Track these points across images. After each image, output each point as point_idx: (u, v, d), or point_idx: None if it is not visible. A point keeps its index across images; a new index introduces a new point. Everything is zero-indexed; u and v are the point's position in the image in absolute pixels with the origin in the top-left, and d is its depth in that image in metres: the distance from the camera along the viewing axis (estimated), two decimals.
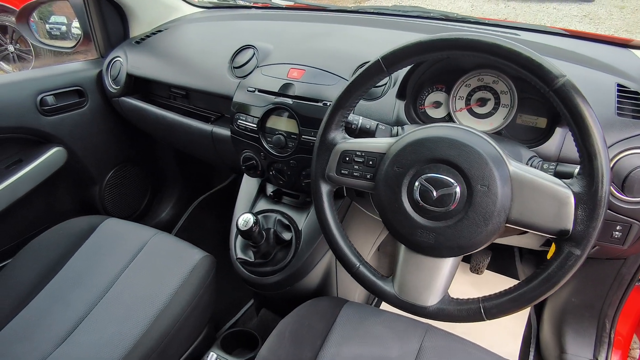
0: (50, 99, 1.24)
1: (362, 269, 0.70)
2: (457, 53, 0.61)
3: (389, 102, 0.87)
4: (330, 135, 0.70)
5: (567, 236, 0.55)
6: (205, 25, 1.34)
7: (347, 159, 0.69)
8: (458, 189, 0.59)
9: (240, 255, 1.00)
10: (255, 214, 0.99)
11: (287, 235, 1.00)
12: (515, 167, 0.59)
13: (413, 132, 0.64)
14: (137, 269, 1.06)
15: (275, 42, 1.09)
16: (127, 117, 1.38)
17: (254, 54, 1.06)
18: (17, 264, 1.09)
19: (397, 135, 0.78)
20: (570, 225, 0.55)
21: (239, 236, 1.03)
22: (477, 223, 0.59)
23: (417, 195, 0.62)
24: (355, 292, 1.25)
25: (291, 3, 1.51)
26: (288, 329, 0.85)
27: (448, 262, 0.64)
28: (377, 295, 0.69)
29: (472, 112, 0.85)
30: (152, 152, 1.63)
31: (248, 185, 1.13)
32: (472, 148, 0.59)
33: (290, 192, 1.06)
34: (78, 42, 1.41)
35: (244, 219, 0.88)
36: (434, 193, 0.60)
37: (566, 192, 0.55)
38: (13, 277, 1.06)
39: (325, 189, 0.72)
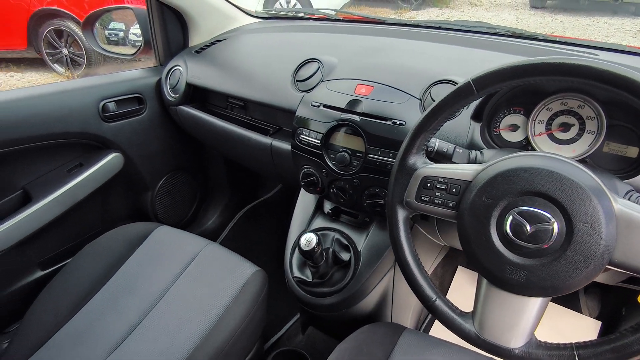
0: (111, 106, 1.26)
1: (439, 302, 0.66)
2: (558, 79, 0.56)
3: (463, 124, 0.83)
4: (410, 159, 0.67)
5: None
6: (264, 36, 1.34)
7: (429, 185, 0.65)
8: (556, 226, 0.55)
9: (297, 274, 0.98)
10: (317, 233, 0.97)
11: (345, 256, 0.97)
12: (621, 204, 0.54)
13: (503, 161, 0.60)
14: (190, 280, 1.05)
15: (339, 55, 1.07)
16: (183, 125, 1.39)
17: (319, 67, 1.04)
18: (75, 265, 1.10)
19: (475, 160, 0.74)
20: None
21: (295, 254, 1.01)
22: (576, 264, 0.54)
23: (508, 230, 0.57)
24: (408, 317, 1.21)
25: (347, 15, 1.49)
26: (346, 355, 0.82)
27: (537, 302, 0.59)
28: (454, 332, 0.65)
29: (552, 138, 0.79)
30: (202, 160, 1.64)
31: (305, 201, 1.10)
32: (573, 181, 0.55)
33: (350, 210, 1.03)
34: (139, 50, 1.44)
35: (306, 239, 0.85)
36: (528, 228, 0.56)
37: None
38: (71, 279, 1.07)
39: (402, 215, 0.69)
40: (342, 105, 0.93)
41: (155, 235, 1.18)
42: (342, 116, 0.92)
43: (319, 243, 0.86)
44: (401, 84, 0.91)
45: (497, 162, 0.61)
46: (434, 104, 0.65)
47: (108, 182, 1.31)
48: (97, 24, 1.61)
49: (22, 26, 4.41)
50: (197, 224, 1.69)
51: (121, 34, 1.70)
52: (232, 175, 1.70)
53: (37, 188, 1.19)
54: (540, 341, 0.60)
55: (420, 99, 0.89)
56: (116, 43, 1.73)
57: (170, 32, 1.37)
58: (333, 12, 1.45)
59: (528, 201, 0.57)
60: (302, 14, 1.51)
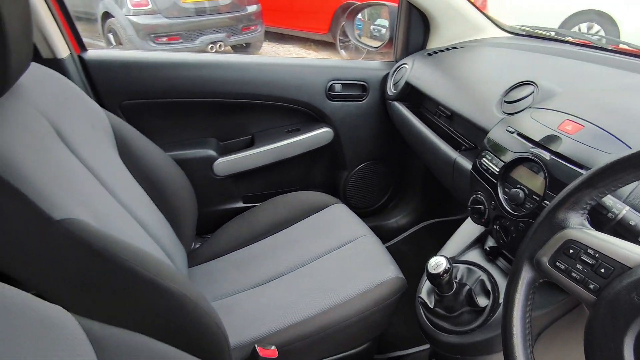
0: (338, 87, 1.42)
1: None
2: None
3: None
4: (562, 213, 0.54)
5: None
6: (501, 51, 1.24)
7: (572, 251, 0.51)
8: None
9: (423, 295, 0.92)
10: (453, 261, 0.88)
11: (482, 302, 0.85)
12: None
13: None
14: (337, 259, 1.12)
15: (568, 85, 0.91)
16: (393, 120, 1.45)
17: (533, 92, 0.92)
18: (262, 209, 1.32)
19: None
20: None
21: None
22: None
23: None
24: None
25: (623, 47, 1.22)
26: None
27: None
28: None
29: None
30: (404, 158, 1.66)
31: (468, 228, 1.01)
32: None
33: (509, 256, 0.89)
34: (382, 44, 1.55)
35: (435, 262, 0.79)
36: None
37: None
38: (254, 219, 1.29)
39: (527, 275, 0.56)
40: (537, 138, 0.80)
41: (331, 209, 1.30)
42: (531, 149, 0.80)
43: (448, 271, 0.78)
44: (622, 131, 0.72)
45: None
46: (618, 157, 0.50)
47: (315, 150, 1.49)
48: (363, 17, 1.79)
49: (329, 16, 5.27)
50: (379, 217, 1.74)
51: (383, 30, 1.85)
52: (429, 182, 1.67)
53: (261, 137, 1.46)
54: None
55: None
56: (377, 38, 1.90)
57: (413, 32, 1.42)
58: (598, 39, 1.22)
59: None
60: (561, 36, 1.32)
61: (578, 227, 0.53)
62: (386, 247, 1.18)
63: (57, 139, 0.78)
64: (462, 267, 0.92)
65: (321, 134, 1.47)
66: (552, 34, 1.36)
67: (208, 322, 0.76)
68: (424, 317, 0.92)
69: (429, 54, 1.36)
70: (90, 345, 0.41)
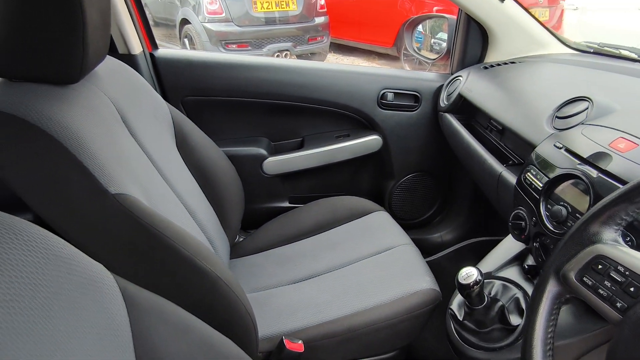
0: (390, 95, 1.43)
1: None
2: None
3: None
4: (594, 227, 0.52)
5: None
6: (561, 67, 1.20)
7: (600, 267, 0.49)
8: None
9: (454, 307, 0.90)
10: (489, 276, 0.86)
11: (515, 320, 0.83)
12: None
13: None
14: (374, 264, 1.13)
15: (627, 103, 0.87)
16: (443, 132, 1.43)
17: (587, 108, 0.88)
18: (307, 210, 1.35)
19: None
20: None
21: None
22: None
23: None
24: None
25: None
26: None
27: None
28: None
29: None
30: (453, 174, 1.63)
31: (510, 244, 0.98)
32: None
33: None
34: (439, 56, 1.55)
35: (467, 272, 0.78)
36: None
37: None
38: (298, 218, 1.33)
39: (552, 289, 0.55)
40: (586, 154, 0.77)
41: (374, 216, 1.31)
42: (578, 166, 0.77)
43: (478, 283, 0.77)
44: None
45: None
46: None
47: (363, 157, 1.51)
48: (424, 29, 1.80)
49: (395, 30, 5.28)
50: (423, 230, 1.71)
51: (443, 44, 1.85)
52: (478, 198, 1.62)
53: (311, 141, 1.50)
54: None
55: None
56: (436, 51, 1.90)
57: (470, 45, 1.41)
58: None
59: None
60: (631, 54, 1.25)
61: (611, 243, 0.51)
62: (427, 261, 1.16)
63: (122, 125, 0.86)
64: (497, 283, 0.90)
65: (370, 141, 1.49)
66: (621, 51, 1.28)
67: (238, 307, 0.80)
68: (452, 329, 0.91)
69: (485, 67, 1.34)
70: (123, 301, 0.46)
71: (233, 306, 0.79)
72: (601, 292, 0.49)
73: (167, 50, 1.38)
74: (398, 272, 1.09)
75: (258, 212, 1.53)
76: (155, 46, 1.37)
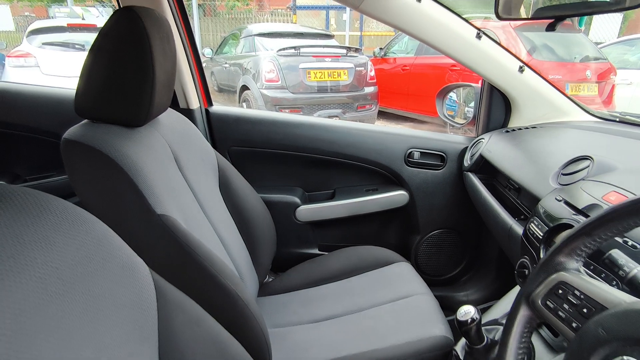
0: (417, 154, 1.54)
1: None
2: None
3: None
4: (560, 257, 0.58)
5: None
6: (579, 132, 1.27)
7: (561, 292, 0.55)
8: None
9: (458, 348, 0.94)
10: (496, 322, 0.91)
11: None
12: None
13: None
14: (390, 310, 1.18)
15: (628, 163, 0.92)
16: (468, 190, 1.50)
17: (588, 166, 0.95)
18: (331, 257, 1.44)
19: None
20: None
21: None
22: None
23: None
24: None
25: None
26: None
27: None
28: None
29: None
30: (480, 233, 1.67)
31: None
32: None
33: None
34: (466, 122, 1.65)
35: (465, 310, 0.83)
36: None
37: None
38: (321, 265, 1.41)
39: (524, 313, 0.60)
40: (580, 206, 0.83)
41: (396, 266, 1.37)
42: (573, 216, 0.82)
43: (475, 320, 0.81)
44: None
45: None
46: (609, 208, 0.55)
47: (390, 211, 1.59)
48: (455, 98, 1.93)
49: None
50: (449, 288, 1.73)
51: (472, 112, 1.96)
52: (505, 258, 1.64)
53: (341, 192, 1.62)
54: None
55: None
56: (468, 118, 2.01)
57: (494, 111, 1.51)
58: None
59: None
60: None
61: (573, 272, 0.57)
62: (450, 319, 1.19)
63: (173, 163, 1.03)
64: (501, 328, 0.93)
65: (397, 196, 1.58)
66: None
67: (255, 326, 0.89)
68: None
69: (507, 131, 1.43)
70: (154, 288, 0.58)
71: (250, 325, 0.88)
72: (560, 314, 0.54)
73: (220, 107, 1.60)
74: (413, 318, 1.13)
75: (289, 256, 1.63)
76: (210, 103, 1.59)
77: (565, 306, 0.54)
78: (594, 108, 1.52)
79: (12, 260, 0.39)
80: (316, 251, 1.66)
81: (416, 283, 1.29)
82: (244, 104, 5.60)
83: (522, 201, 1.20)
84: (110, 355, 0.45)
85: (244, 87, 5.58)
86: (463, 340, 0.96)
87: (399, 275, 1.33)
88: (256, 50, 5.58)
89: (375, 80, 5.74)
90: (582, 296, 0.53)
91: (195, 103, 1.51)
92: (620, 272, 0.59)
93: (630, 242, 0.67)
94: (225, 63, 6.20)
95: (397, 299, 1.22)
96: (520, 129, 1.41)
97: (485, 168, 1.42)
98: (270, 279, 1.47)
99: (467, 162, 1.49)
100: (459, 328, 0.85)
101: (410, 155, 1.55)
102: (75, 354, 0.41)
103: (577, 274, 0.56)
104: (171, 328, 0.57)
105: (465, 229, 1.67)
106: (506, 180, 1.30)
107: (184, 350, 0.57)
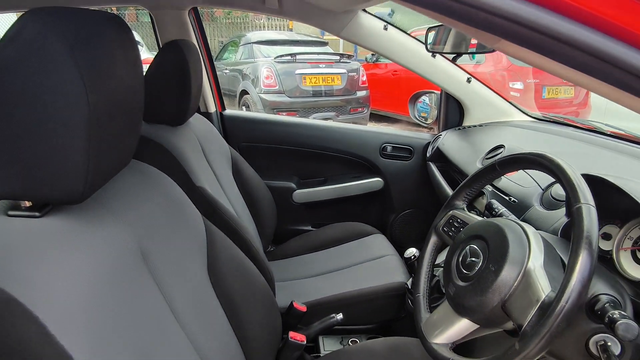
0: (389, 148, 1.92)
1: (420, 298, 0.92)
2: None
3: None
4: (455, 201, 0.95)
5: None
6: (515, 130, 1.64)
7: (451, 221, 0.93)
8: (481, 262, 0.75)
9: (409, 283, 1.30)
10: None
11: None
12: (536, 267, 0.69)
13: (489, 218, 0.83)
14: (366, 267, 1.54)
15: (531, 149, 1.30)
16: (430, 176, 1.88)
17: (501, 151, 1.32)
18: (322, 230, 1.81)
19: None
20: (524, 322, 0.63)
21: None
22: (475, 291, 0.72)
23: (460, 258, 0.81)
24: None
25: (618, 132, 1.52)
26: None
27: (463, 321, 0.78)
28: (416, 322, 0.89)
29: (634, 256, 0.83)
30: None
31: None
32: (505, 236, 0.73)
33: None
34: (432, 121, 2.03)
35: (410, 250, 1.20)
36: (467, 259, 0.78)
37: (541, 295, 0.63)
38: (315, 237, 1.77)
39: (433, 239, 0.97)
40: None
41: (373, 237, 1.74)
42: None
43: (415, 257, 1.19)
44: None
45: (487, 219, 0.84)
46: (473, 174, 0.92)
47: (369, 194, 1.97)
48: (428, 102, 2.29)
49: None
50: None
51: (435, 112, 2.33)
52: None
53: (331, 179, 1.99)
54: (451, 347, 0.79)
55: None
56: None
57: (450, 113, 1.89)
58: (604, 126, 1.51)
59: (474, 243, 0.79)
60: (576, 123, 1.65)
61: (460, 209, 0.94)
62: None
63: (201, 152, 1.40)
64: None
65: (374, 182, 1.96)
66: (566, 120, 1.71)
67: (262, 261, 1.26)
68: (407, 298, 1.31)
69: (459, 129, 1.81)
70: (204, 228, 0.94)
71: (259, 262, 1.25)
72: (450, 233, 0.92)
73: (232, 111, 1.99)
74: (381, 271, 1.50)
75: (287, 231, 2.00)
76: (224, 107, 1.97)
77: (452, 229, 0.92)
78: (571, 110, 1.86)
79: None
80: (309, 227, 2.03)
81: (388, 248, 1.65)
82: (244, 108, 5.97)
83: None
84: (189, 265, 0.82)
85: (244, 92, 5.96)
86: (411, 279, 1.33)
87: (375, 243, 1.70)
88: (255, 57, 5.98)
89: (367, 85, 6.13)
90: (459, 221, 0.91)
91: (212, 107, 1.89)
92: (493, 212, 0.97)
93: (508, 197, 1.05)
94: (225, 69, 6.58)
95: (371, 259, 1.59)
96: (470, 127, 1.79)
97: (442, 158, 1.80)
98: (272, 249, 1.84)
99: (429, 153, 1.87)
100: (405, 263, 1.23)
101: (384, 148, 1.92)
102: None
103: (462, 211, 0.94)
104: (215, 250, 0.94)
105: (432, 209, 2.04)
106: (455, 166, 1.67)
107: (222, 266, 0.93)
